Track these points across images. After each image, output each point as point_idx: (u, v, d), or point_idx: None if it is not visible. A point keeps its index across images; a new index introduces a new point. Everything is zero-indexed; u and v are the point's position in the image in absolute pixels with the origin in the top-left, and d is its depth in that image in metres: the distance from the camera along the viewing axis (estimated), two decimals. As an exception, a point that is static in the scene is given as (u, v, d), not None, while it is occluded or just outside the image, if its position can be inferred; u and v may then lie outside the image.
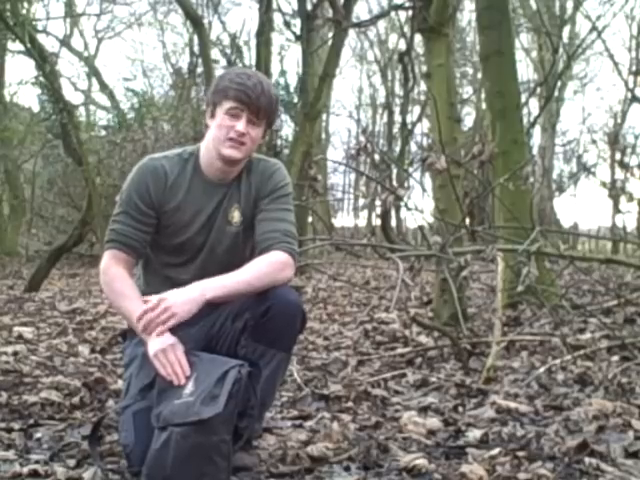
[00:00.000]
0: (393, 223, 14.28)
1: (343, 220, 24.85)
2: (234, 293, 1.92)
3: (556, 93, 15.98)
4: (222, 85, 2.03)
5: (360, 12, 19.42)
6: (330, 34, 12.34)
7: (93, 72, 19.96)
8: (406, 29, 13.61)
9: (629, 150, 17.51)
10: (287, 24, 12.08)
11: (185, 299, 1.85)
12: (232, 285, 1.91)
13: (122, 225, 2.04)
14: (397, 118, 19.09)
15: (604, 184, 15.83)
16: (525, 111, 13.20)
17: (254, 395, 1.89)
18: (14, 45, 12.60)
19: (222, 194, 2.09)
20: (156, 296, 1.86)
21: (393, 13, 14.53)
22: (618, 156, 17.45)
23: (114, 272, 2.03)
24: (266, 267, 1.96)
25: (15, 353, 3.50)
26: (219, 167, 2.07)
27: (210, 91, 2.09)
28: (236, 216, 2.09)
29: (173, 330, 1.91)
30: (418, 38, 10.58)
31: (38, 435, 2.27)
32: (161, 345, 1.86)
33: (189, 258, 2.11)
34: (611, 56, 16.44)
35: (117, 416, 2.25)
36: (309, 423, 2.47)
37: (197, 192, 2.08)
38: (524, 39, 19.17)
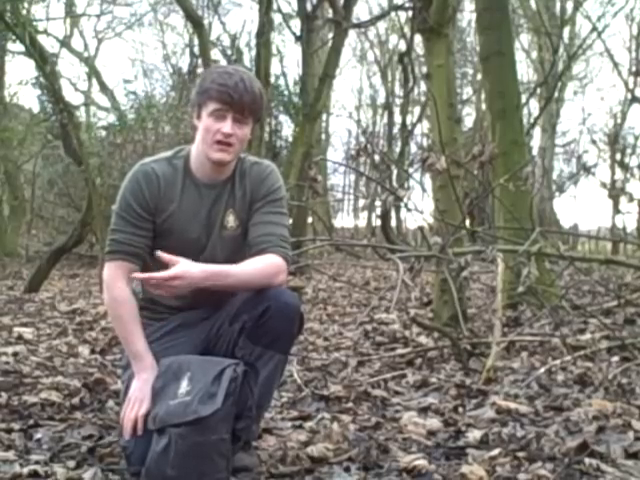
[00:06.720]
0: (393, 224, 14.25)
1: (343, 221, 24.88)
2: (222, 282, 1.90)
3: (556, 94, 15.97)
4: (205, 86, 1.99)
5: (360, 13, 19.50)
6: (330, 35, 12.36)
7: (93, 73, 19.95)
8: (406, 30, 13.63)
9: (629, 150, 17.56)
10: (287, 25, 12.09)
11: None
12: (221, 272, 1.89)
13: (123, 233, 2.00)
14: (397, 119, 19.11)
15: (604, 184, 15.85)
16: (525, 112, 13.20)
17: (251, 396, 1.89)
18: (14, 46, 12.58)
19: (215, 195, 2.06)
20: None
21: (393, 14, 14.56)
22: (618, 156, 17.49)
23: (119, 292, 2.00)
24: (262, 267, 1.94)
25: (15, 354, 3.51)
26: (209, 168, 2.04)
27: (194, 92, 2.05)
28: (231, 220, 2.06)
29: (175, 332, 1.90)
30: (418, 39, 10.60)
31: (38, 436, 2.27)
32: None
33: None
34: (611, 56, 16.46)
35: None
36: (309, 424, 2.47)
37: (191, 195, 2.05)
38: (524, 39, 19.18)
